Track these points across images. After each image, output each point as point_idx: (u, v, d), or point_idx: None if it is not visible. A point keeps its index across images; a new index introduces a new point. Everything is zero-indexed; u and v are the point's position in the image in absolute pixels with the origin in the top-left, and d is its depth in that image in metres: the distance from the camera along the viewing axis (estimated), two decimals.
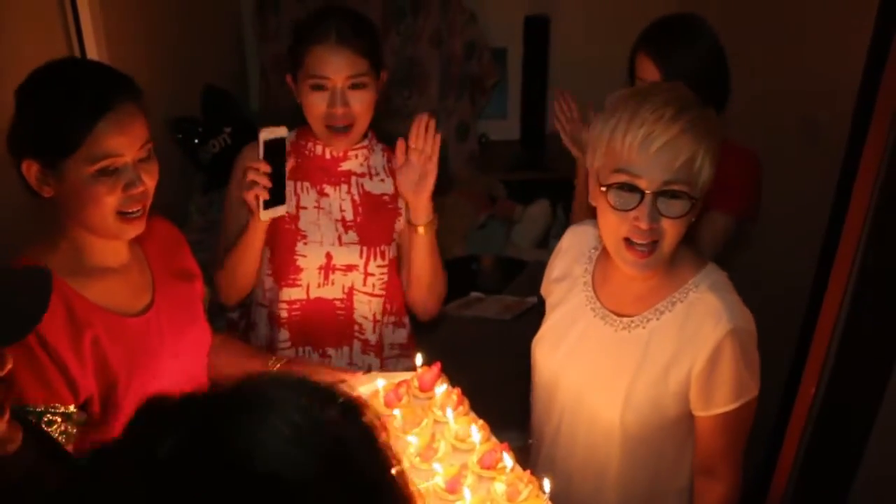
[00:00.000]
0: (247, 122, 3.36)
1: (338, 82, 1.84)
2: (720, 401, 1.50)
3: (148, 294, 1.60)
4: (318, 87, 1.85)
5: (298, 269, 1.95)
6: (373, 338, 2.04)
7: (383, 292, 2.02)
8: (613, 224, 1.44)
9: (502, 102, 4.45)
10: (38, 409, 1.37)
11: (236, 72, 4.09)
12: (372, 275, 1.98)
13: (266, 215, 1.80)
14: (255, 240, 1.87)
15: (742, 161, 2.06)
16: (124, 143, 1.41)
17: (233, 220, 1.97)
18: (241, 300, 2.05)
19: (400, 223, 2.01)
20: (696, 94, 1.46)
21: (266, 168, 1.76)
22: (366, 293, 2.00)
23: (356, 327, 2.02)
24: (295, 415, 0.64)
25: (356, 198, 1.98)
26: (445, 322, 3.36)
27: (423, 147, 1.89)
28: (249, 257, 1.91)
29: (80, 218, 1.45)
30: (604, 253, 1.60)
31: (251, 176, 1.75)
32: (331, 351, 2.01)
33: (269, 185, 1.76)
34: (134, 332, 1.53)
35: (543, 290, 1.78)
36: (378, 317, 2.04)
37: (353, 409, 0.68)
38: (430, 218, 1.95)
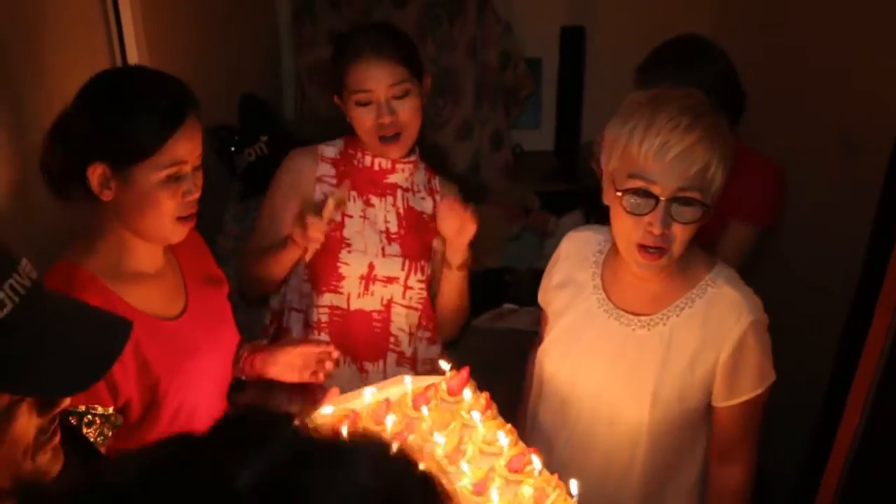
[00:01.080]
0: (283, 130, 3.38)
1: (380, 94, 1.87)
2: (745, 388, 1.57)
3: (182, 298, 1.64)
4: (363, 103, 1.88)
5: (341, 277, 1.97)
6: (408, 350, 2.04)
7: (420, 306, 2.03)
8: (627, 228, 1.49)
9: (536, 113, 4.43)
10: (80, 410, 1.39)
11: (272, 80, 4.12)
12: (411, 288, 2.00)
13: (309, 255, 1.87)
14: (292, 261, 1.93)
15: (763, 170, 2.08)
16: (190, 151, 1.48)
17: (271, 223, 2.00)
18: (258, 300, 2.09)
19: (437, 242, 2.03)
20: (710, 102, 1.50)
21: (326, 230, 1.82)
22: (404, 305, 2.01)
23: (392, 339, 2.02)
24: (373, 482, 0.63)
25: (401, 211, 2.00)
26: (478, 333, 3.35)
27: (458, 217, 1.92)
28: (280, 271, 1.96)
29: (136, 222, 1.49)
30: (611, 256, 1.65)
31: (311, 234, 1.78)
32: (368, 366, 2.03)
33: (322, 241, 1.83)
34: (171, 335, 1.57)
35: (542, 299, 1.81)
36: (413, 330, 2.05)
37: (431, 487, 0.66)
38: (466, 258, 1.98)
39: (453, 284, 2.03)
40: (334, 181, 2.00)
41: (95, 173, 1.44)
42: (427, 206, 2.04)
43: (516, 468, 1.53)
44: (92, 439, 1.40)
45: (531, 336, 1.91)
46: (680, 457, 1.66)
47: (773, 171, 2.10)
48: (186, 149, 1.47)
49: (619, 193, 1.47)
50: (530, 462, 1.55)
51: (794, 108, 2.93)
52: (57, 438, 1.00)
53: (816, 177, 2.75)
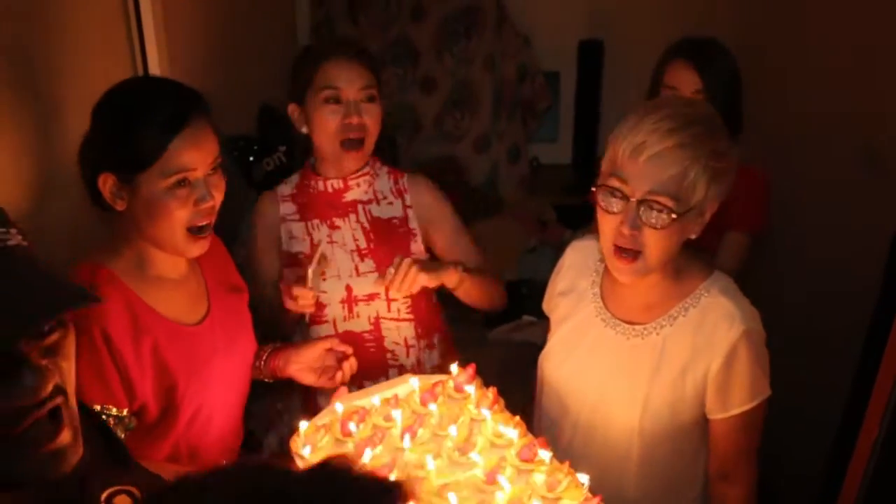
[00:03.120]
0: (300, 141, 3.40)
1: (350, 94, 1.87)
2: (737, 401, 1.54)
3: (204, 305, 1.65)
4: (333, 100, 1.87)
5: (322, 306, 1.96)
6: (408, 362, 2.02)
7: (410, 316, 2.01)
8: (605, 227, 1.50)
9: (554, 126, 4.45)
10: (95, 409, 1.41)
11: None
12: (395, 300, 1.97)
13: (308, 316, 1.92)
14: (294, 318, 1.95)
15: (752, 181, 2.12)
16: (197, 157, 1.46)
17: (260, 269, 2.01)
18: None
19: (417, 243, 2.00)
20: (715, 116, 1.49)
21: (315, 297, 1.83)
22: (392, 319, 1.99)
23: (389, 355, 2.01)
24: None
25: (366, 225, 1.97)
26: (494, 345, 3.35)
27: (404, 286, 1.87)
28: (290, 320, 1.97)
29: (149, 232, 1.50)
30: None
31: (302, 304, 1.81)
32: (368, 384, 2.00)
33: (314, 308, 1.86)
34: (192, 340, 1.58)
35: (546, 306, 1.81)
36: (410, 341, 2.02)
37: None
38: (460, 278, 1.93)
39: (464, 294, 1.99)
40: (297, 217, 2.00)
41: (106, 184, 1.46)
42: (396, 210, 2.00)
43: (527, 458, 1.53)
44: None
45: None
46: (678, 470, 1.65)
47: (760, 180, 2.17)
48: (192, 155, 1.45)
49: (594, 189, 1.48)
50: (538, 454, 1.55)
51: (817, 123, 2.92)
52: (71, 426, 0.95)
53: (840, 191, 2.73)
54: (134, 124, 1.43)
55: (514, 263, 3.77)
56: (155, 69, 2.11)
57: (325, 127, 1.89)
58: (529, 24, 4.23)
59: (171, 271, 1.59)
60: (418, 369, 2.02)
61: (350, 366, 1.79)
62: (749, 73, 2.23)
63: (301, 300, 1.81)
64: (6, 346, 0.83)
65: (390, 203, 2.00)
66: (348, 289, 1.95)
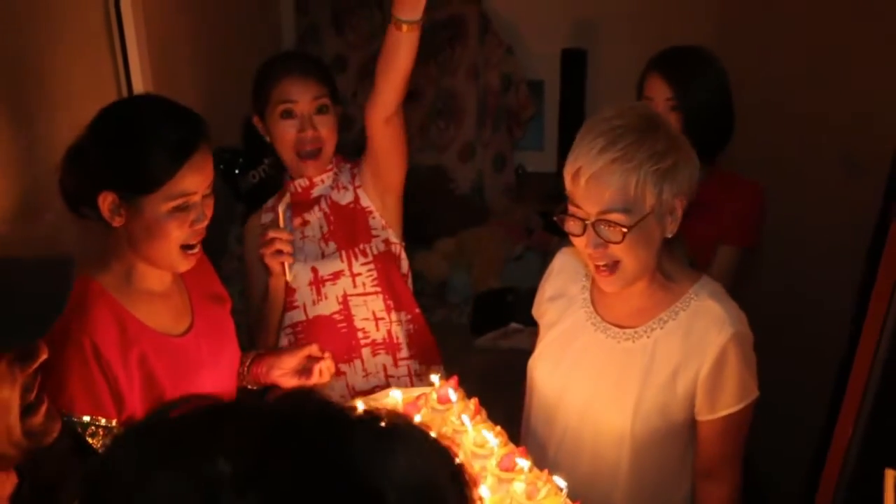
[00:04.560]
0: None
1: (304, 107, 1.97)
2: (725, 403, 1.56)
3: (188, 316, 1.67)
4: (288, 114, 1.97)
5: (292, 291, 2.04)
6: (378, 336, 2.07)
7: (377, 288, 2.06)
8: (577, 246, 1.54)
9: (539, 134, 4.47)
10: (84, 420, 1.43)
11: None
12: (359, 274, 2.04)
13: (291, 276, 1.99)
14: (282, 295, 2.03)
15: (747, 195, 2.13)
16: (198, 182, 1.50)
17: (257, 286, 2.09)
18: None
19: (376, 219, 2.08)
20: (650, 117, 1.50)
21: (290, 237, 1.95)
22: (359, 294, 2.05)
23: (360, 333, 2.06)
24: (419, 462, 0.64)
25: (327, 210, 2.07)
26: (481, 352, 3.36)
27: None
28: (279, 308, 2.05)
29: (144, 249, 1.52)
30: None
31: (278, 246, 1.92)
32: (343, 367, 2.05)
33: (292, 251, 1.95)
34: (177, 351, 1.60)
35: (535, 312, 1.83)
36: (379, 314, 2.07)
37: (462, 478, 0.68)
38: (420, 18, 1.83)
39: (406, 47, 1.88)
40: (278, 223, 2.06)
41: (106, 201, 1.47)
42: (349, 196, 2.08)
43: (507, 467, 1.55)
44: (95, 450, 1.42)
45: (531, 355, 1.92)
46: (667, 472, 1.67)
47: (756, 195, 2.17)
48: (195, 180, 1.49)
49: (556, 218, 1.53)
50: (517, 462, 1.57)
51: (796, 129, 2.95)
52: (46, 402, 1.01)
53: (817, 196, 2.77)
54: (144, 148, 1.45)
55: (501, 271, 3.79)
56: (138, 81, 2.12)
57: (283, 140, 2.00)
58: (513, 33, 4.27)
59: (158, 284, 1.61)
60: (389, 341, 2.07)
61: (327, 367, 1.82)
62: (730, 81, 2.25)
63: (278, 243, 1.92)
64: None
65: (346, 189, 2.09)
66: (314, 271, 2.03)
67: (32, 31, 1.76)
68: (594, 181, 1.43)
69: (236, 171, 3.21)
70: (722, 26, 3.81)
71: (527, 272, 3.75)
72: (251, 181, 3.22)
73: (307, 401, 0.67)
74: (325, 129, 2.00)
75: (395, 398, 1.75)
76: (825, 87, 2.76)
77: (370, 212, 2.08)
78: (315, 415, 0.65)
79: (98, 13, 2.04)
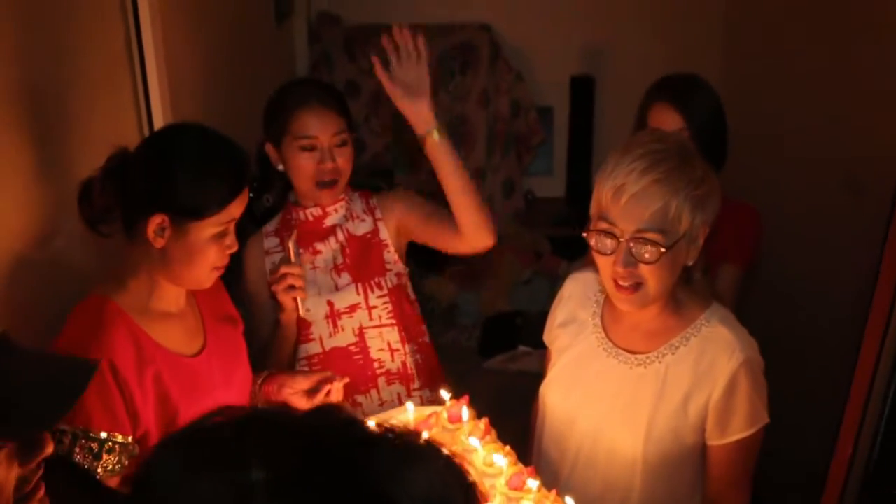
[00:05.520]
0: (284, 177, 3.46)
1: (324, 141, 1.96)
2: (736, 428, 1.58)
3: (201, 337, 1.71)
4: (307, 148, 1.97)
5: (308, 325, 2.04)
6: (394, 366, 2.08)
7: (393, 321, 2.07)
8: (602, 265, 1.56)
9: (548, 160, 4.51)
10: (102, 436, 1.45)
11: None
12: (375, 307, 2.05)
13: (304, 310, 1.96)
14: (293, 329, 2.01)
15: (742, 216, 2.20)
16: (240, 211, 1.58)
17: (257, 313, 2.08)
18: None
19: (389, 252, 2.08)
20: (686, 146, 1.55)
21: (302, 272, 1.92)
22: (375, 327, 2.06)
23: (376, 364, 2.07)
24: (435, 478, 0.67)
25: (343, 243, 2.07)
26: (490, 375, 3.38)
27: (407, 47, 1.88)
28: (288, 346, 2.03)
29: (177, 270, 1.57)
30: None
31: (290, 281, 1.89)
32: (360, 398, 2.06)
33: (304, 285, 1.93)
34: (191, 371, 1.64)
35: (546, 337, 1.85)
36: (395, 345, 2.08)
37: (474, 495, 0.70)
38: (436, 124, 1.89)
39: (444, 155, 1.90)
40: (279, 248, 2.09)
41: (154, 222, 1.52)
42: (367, 226, 2.09)
43: (516, 486, 1.56)
44: (111, 467, 1.45)
45: (541, 378, 1.94)
46: (678, 496, 1.67)
47: (751, 215, 2.23)
48: (238, 210, 1.58)
49: (586, 234, 1.55)
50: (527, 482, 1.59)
51: (798, 152, 2.98)
52: (42, 491, 1.01)
53: (821, 217, 2.79)
54: (206, 177, 1.53)
55: (509, 295, 3.81)
56: (157, 107, 2.17)
57: (302, 171, 2.00)
58: (522, 60, 4.32)
59: (173, 305, 1.65)
60: (404, 372, 2.09)
61: (337, 389, 1.84)
62: (736, 106, 2.29)
63: (290, 278, 1.89)
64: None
65: (363, 220, 2.10)
66: (329, 304, 2.03)
67: (55, 60, 1.82)
68: (635, 199, 1.45)
69: (250, 195, 3.25)
70: (727, 52, 3.85)
71: (535, 296, 3.78)
72: (265, 205, 3.26)
73: (335, 415, 0.71)
74: (343, 160, 2.00)
75: (407, 414, 1.77)
76: (827, 111, 2.79)
77: (386, 245, 2.09)
78: (342, 428, 0.68)
79: (119, 44, 2.09)
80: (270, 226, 2.15)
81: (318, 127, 1.96)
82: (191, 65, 2.59)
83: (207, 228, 1.53)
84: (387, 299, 2.06)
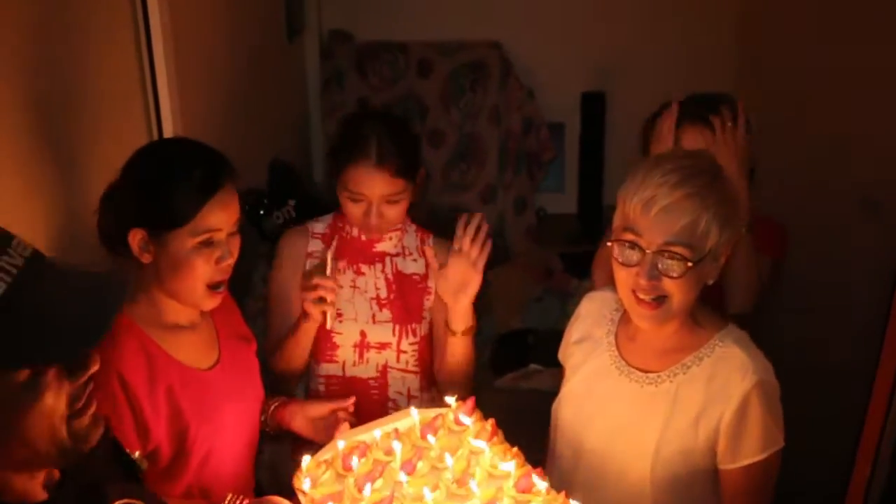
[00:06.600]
0: (310, 195, 3.47)
1: (373, 198, 1.89)
2: (748, 452, 1.54)
3: (214, 352, 1.71)
4: (355, 200, 1.91)
5: (335, 346, 2.00)
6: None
7: (417, 369, 2.05)
8: (622, 277, 1.54)
9: (560, 177, 4.51)
10: None
11: (302, 146, 4.24)
12: (405, 352, 2.02)
13: (331, 323, 1.89)
14: (311, 335, 1.94)
15: (769, 229, 2.09)
16: (224, 219, 1.55)
17: (280, 306, 2.03)
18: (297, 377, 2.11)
19: (429, 301, 2.05)
20: (716, 164, 1.54)
21: (335, 286, 1.85)
22: (399, 370, 2.03)
23: (390, 403, 2.04)
24: None
25: (390, 276, 2.02)
26: (501, 393, 3.35)
27: (469, 252, 1.88)
28: (303, 351, 1.98)
29: (170, 285, 1.57)
30: (626, 315, 1.66)
31: (321, 293, 1.82)
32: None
33: (335, 300, 1.86)
34: (204, 385, 1.64)
35: (561, 355, 1.84)
36: (414, 392, 2.06)
37: None
38: (470, 324, 1.95)
39: (457, 350, 1.98)
40: (325, 270, 2.04)
41: (135, 238, 1.53)
42: (419, 266, 2.04)
43: (524, 488, 1.54)
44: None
45: (553, 397, 1.92)
46: None
47: (778, 229, 2.15)
48: (220, 217, 1.54)
49: (611, 244, 1.53)
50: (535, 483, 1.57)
51: (815, 172, 2.96)
52: (94, 406, 1.03)
53: (837, 236, 2.76)
54: (171, 185, 1.52)
55: (521, 312, 3.79)
56: (168, 125, 2.18)
57: (350, 214, 1.95)
58: (533, 77, 4.33)
59: (185, 319, 1.65)
60: None
61: (341, 430, 1.78)
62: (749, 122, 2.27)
63: (321, 289, 1.81)
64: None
65: (415, 259, 2.05)
66: (362, 334, 2.00)
67: (69, 78, 1.83)
68: (666, 212, 1.45)
69: (261, 213, 3.26)
70: (740, 68, 3.85)
71: (547, 313, 3.76)
72: (276, 222, 3.26)
73: None
74: (394, 214, 1.93)
75: (413, 419, 1.76)
76: (842, 130, 2.78)
77: (429, 293, 2.05)
78: None
79: (130, 58, 2.11)
80: (318, 227, 2.06)
81: (369, 188, 1.87)
82: (202, 80, 2.59)
83: (186, 238, 1.52)
84: (416, 348, 2.03)
